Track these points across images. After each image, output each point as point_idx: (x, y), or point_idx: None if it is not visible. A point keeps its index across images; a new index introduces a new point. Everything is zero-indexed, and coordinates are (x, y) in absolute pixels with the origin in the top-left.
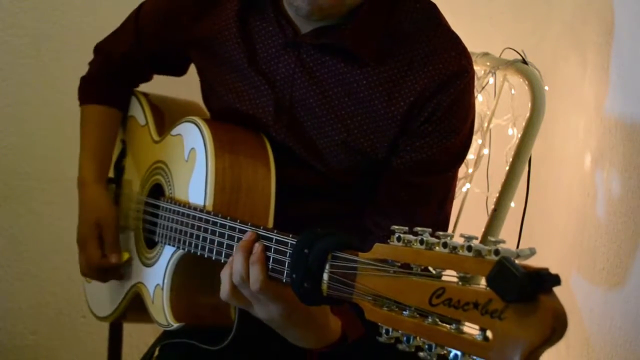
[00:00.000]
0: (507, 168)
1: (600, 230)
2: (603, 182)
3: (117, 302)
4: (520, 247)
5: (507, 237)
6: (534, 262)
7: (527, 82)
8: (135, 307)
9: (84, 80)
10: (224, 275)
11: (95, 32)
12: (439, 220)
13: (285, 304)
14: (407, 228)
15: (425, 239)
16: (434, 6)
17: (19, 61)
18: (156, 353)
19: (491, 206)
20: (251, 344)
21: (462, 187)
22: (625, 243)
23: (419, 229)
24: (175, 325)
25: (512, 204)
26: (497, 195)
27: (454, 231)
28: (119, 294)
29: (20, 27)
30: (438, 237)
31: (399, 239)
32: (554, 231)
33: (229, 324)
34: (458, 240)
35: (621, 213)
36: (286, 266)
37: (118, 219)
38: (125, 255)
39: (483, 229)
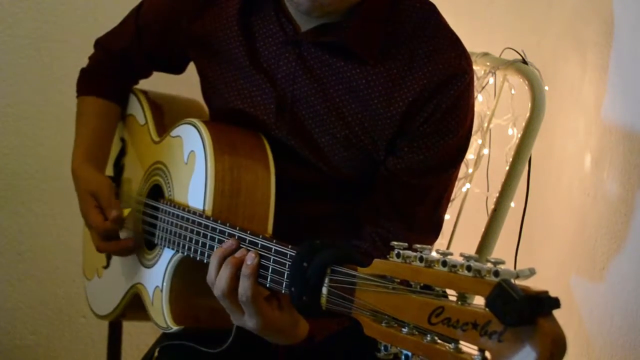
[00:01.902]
0: (507, 168)
1: (600, 230)
2: (603, 182)
3: (117, 301)
4: (520, 247)
5: (507, 237)
6: (534, 263)
7: (527, 82)
8: (134, 306)
9: (83, 72)
10: (212, 270)
11: (95, 32)
12: (433, 221)
13: (262, 318)
14: (406, 244)
15: (424, 256)
16: (434, 7)
17: (19, 61)
18: (155, 354)
19: (491, 206)
20: (250, 347)
21: (462, 187)
22: (625, 243)
23: (418, 245)
24: (174, 328)
25: (512, 204)
26: (497, 195)
27: (453, 231)
28: (118, 293)
29: (20, 27)
30: (437, 255)
31: (398, 255)
32: (554, 231)
33: (229, 327)
34: (459, 258)
35: (621, 213)
36: (285, 277)
37: (112, 186)
38: (126, 211)
39: (483, 229)
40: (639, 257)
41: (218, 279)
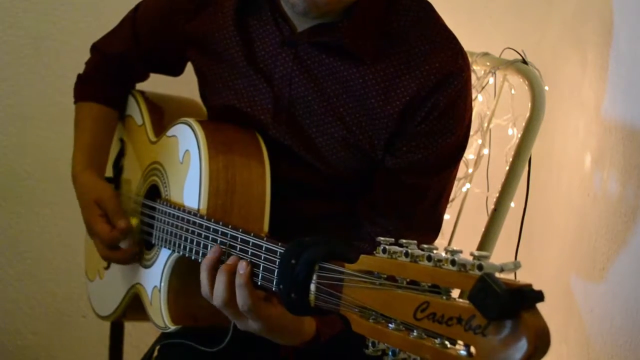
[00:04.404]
0: (507, 168)
1: (600, 230)
2: (603, 182)
3: (118, 302)
4: (520, 247)
5: (507, 237)
6: (534, 263)
7: (527, 82)
8: (135, 307)
9: (80, 79)
10: (204, 280)
11: (95, 32)
12: (433, 220)
13: (265, 321)
14: (393, 239)
15: (410, 251)
16: (430, 5)
17: (19, 61)
18: (155, 354)
19: (491, 206)
20: (248, 345)
21: (462, 187)
22: (625, 243)
23: (404, 240)
24: (173, 327)
25: (512, 204)
26: (497, 195)
27: (453, 231)
28: (119, 294)
29: (20, 27)
30: (423, 250)
31: (384, 250)
32: (554, 231)
33: (226, 326)
34: (444, 252)
35: (621, 213)
36: (275, 275)
37: (116, 193)
38: (134, 221)
39: (483, 229)
40: (639, 257)
41: (215, 290)
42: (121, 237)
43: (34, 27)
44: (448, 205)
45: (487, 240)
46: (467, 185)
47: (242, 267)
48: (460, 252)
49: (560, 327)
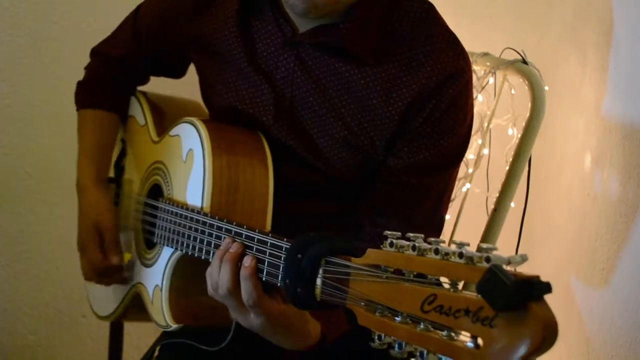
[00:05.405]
0: (507, 168)
1: (600, 230)
2: (603, 182)
3: (118, 301)
4: (520, 247)
5: (507, 237)
6: (534, 263)
7: (527, 82)
8: (135, 307)
9: (80, 85)
10: (210, 276)
11: (95, 32)
12: (434, 221)
13: (268, 317)
14: (399, 233)
15: (417, 245)
16: (432, 6)
17: (19, 61)
18: (156, 353)
19: (491, 206)
20: (250, 345)
21: (462, 187)
22: (625, 243)
23: (411, 234)
24: (174, 326)
25: (512, 204)
26: (497, 195)
27: (453, 231)
28: (119, 293)
29: (20, 27)
30: (430, 243)
31: (391, 244)
32: (554, 231)
33: (228, 325)
34: (451, 245)
35: (621, 213)
36: (281, 270)
37: (117, 220)
38: (127, 256)
39: (483, 229)
40: (639, 257)
41: (220, 279)
42: (111, 270)
43: (34, 27)
44: (449, 205)
45: (487, 240)
46: (467, 185)
47: (247, 261)
48: (468, 244)
49: (560, 327)
